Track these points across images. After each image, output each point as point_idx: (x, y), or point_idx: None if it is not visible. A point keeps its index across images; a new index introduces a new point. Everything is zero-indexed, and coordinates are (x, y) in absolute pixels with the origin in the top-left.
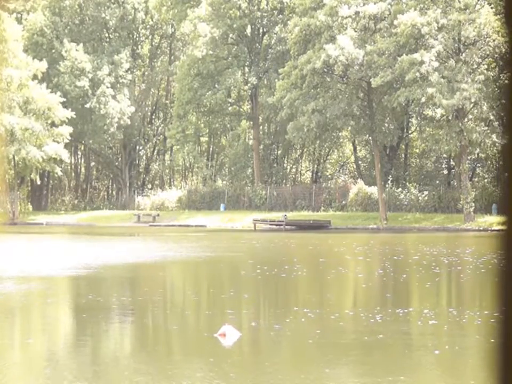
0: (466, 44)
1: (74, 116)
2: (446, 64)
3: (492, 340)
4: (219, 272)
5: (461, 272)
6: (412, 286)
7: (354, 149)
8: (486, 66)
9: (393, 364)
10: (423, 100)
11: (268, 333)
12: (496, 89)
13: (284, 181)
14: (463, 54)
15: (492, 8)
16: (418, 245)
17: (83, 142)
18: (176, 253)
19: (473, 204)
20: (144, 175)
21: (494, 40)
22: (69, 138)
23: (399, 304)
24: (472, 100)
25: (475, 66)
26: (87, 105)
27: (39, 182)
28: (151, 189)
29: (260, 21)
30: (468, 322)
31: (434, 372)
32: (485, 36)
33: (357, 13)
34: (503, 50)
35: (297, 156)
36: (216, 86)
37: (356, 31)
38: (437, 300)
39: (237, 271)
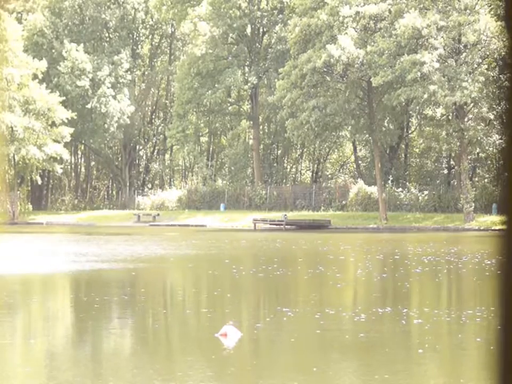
0: (466, 45)
1: (75, 117)
2: (446, 63)
3: (478, 339)
4: (196, 272)
5: (439, 272)
6: (389, 286)
7: (354, 148)
8: (486, 66)
9: (379, 362)
10: (425, 96)
11: (251, 332)
12: (496, 89)
13: (284, 181)
14: (463, 54)
15: (491, 11)
16: (407, 244)
17: (83, 141)
18: (157, 252)
19: (473, 204)
20: (144, 175)
21: (494, 44)
22: (69, 139)
23: (377, 303)
24: (472, 96)
25: (475, 66)
26: (88, 106)
27: (39, 182)
28: (151, 188)
29: (259, 21)
30: (451, 321)
31: (418, 370)
32: (485, 40)
33: (357, 13)
34: (503, 53)
35: (297, 155)
36: (216, 85)
37: (356, 31)
38: (414, 300)
39: (213, 271)
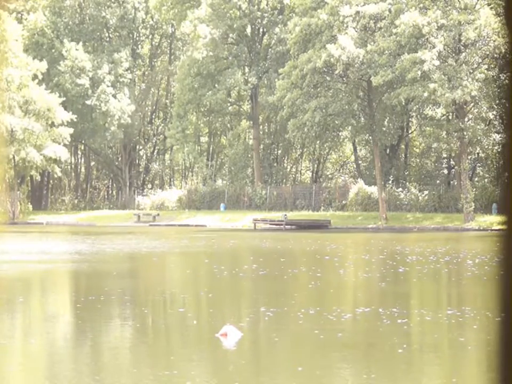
0: (466, 44)
1: (75, 119)
2: (446, 63)
3: (462, 338)
4: (177, 272)
5: (419, 271)
6: (368, 286)
7: (355, 148)
8: (486, 66)
9: (366, 362)
10: (425, 95)
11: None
12: (496, 88)
13: (284, 181)
14: (463, 54)
15: (491, 9)
16: (398, 244)
17: (83, 141)
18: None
19: (473, 204)
20: (144, 175)
21: (494, 41)
22: (69, 139)
23: (356, 303)
24: (473, 94)
25: (475, 66)
26: (88, 102)
27: (39, 180)
28: (151, 188)
29: (260, 21)
30: (431, 321)
31: (398, 370)
32: (485, 37)
33: (357, 12)
34: (503, 50)
35: (297, 155)
36: (216, 86)
37: (356, 31)
38: (392, 299)
39: (198, 271)
